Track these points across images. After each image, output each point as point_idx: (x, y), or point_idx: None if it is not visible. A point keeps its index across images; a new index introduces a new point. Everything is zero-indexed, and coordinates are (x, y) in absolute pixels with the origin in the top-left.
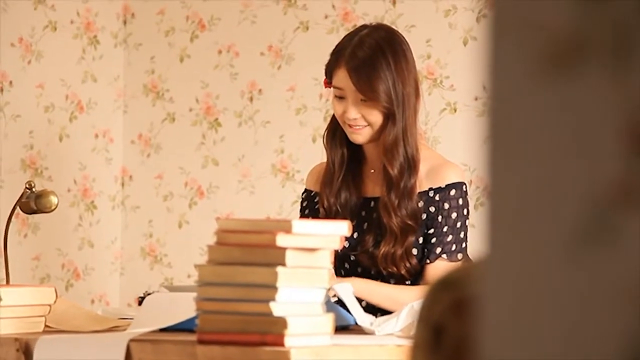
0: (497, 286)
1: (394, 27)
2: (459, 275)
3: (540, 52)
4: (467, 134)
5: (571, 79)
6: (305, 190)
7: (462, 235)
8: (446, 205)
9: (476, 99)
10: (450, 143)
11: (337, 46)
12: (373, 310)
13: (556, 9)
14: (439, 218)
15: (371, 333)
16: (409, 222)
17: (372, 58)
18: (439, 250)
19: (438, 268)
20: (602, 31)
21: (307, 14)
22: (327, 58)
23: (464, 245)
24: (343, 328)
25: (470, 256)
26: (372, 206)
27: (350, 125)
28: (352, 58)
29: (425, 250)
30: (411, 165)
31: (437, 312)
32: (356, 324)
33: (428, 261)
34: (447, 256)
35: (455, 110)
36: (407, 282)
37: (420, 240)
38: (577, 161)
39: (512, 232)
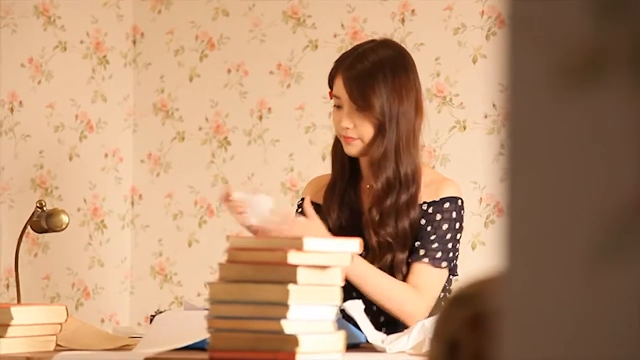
0: (515, 302)
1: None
2: (473, 291)
3: (558, 65)
4: (477, 151)
5: (589, 92)
6: (303, 199)
7: (449, 246)
8: (438, 217)
9: (486, 116)
10: (460, 161)
11: (340, 56)
12: (380, 326)
13: (574, 23)
14: (428, 228)
15: (382, 351)
16: (389, 240)
17: (369, 70)
18: (422, 252)
19: (419, 271)
20: (620, 44)
21: (316, 32)
22: None
23: (450, 255)
24: (354, 346)
25: (456, 271)
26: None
27: (344, 137)
28: (349, 67)
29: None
30: (402, 183)
31: (452, 327)
32: (367, 341)
33: (410, 260)
34: (429, 260)
35: (464, 128)
36: None
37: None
38: (596, 175)
39: (530, 247)
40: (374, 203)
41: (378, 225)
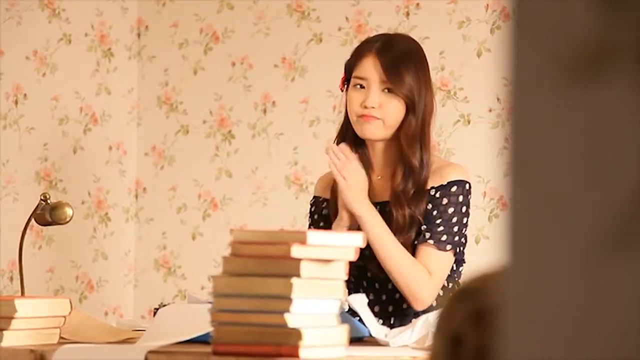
0: (519, 296)
1: None
2: (477, 286)
3: (562, 60)
4: (481, 145)
5: (594, 86)
6: (314, 197)
7: (455, 229)
8: (445, 201)
9: (490, 110)
10: (464, 154)
11: (365, 40)
12: (385, 319)
13: (578, 18)
14: (435, 212)
15: (386, 344)
16: (418, 216)
17: (403, 53)
18: (427, 235)
19: (426, 254)
20: (624, 40)
21: (321, 26)
22: (340, 70)
23: (456, 239)
24: (357, 339)
25: (463, 254)
26: (378, 210)
27: (363, 116)
28: (384, 48)
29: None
30: (423, 166)
31: (455, 322)
32: (370, 335)
33: (416, 242)
34: (434, 242)
35: (469, 122)
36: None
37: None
38: (600, 171)
39: (533, 242)
40: (409, 177)
41: (411, 200)
